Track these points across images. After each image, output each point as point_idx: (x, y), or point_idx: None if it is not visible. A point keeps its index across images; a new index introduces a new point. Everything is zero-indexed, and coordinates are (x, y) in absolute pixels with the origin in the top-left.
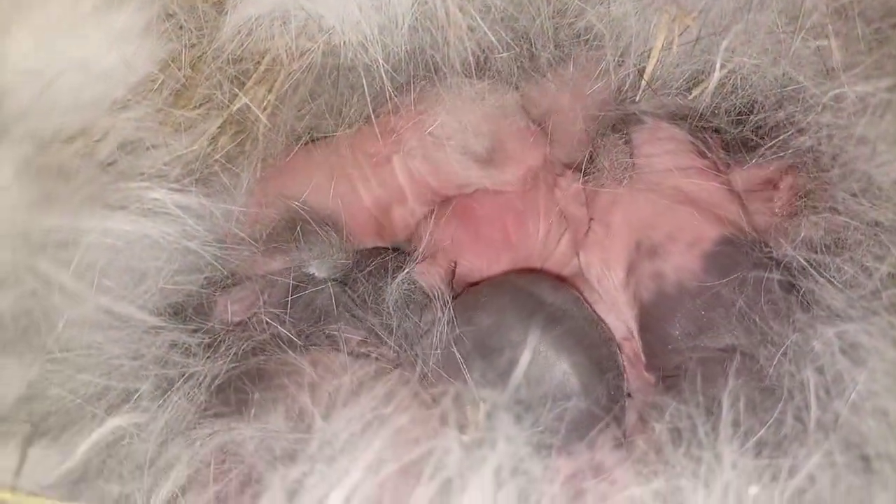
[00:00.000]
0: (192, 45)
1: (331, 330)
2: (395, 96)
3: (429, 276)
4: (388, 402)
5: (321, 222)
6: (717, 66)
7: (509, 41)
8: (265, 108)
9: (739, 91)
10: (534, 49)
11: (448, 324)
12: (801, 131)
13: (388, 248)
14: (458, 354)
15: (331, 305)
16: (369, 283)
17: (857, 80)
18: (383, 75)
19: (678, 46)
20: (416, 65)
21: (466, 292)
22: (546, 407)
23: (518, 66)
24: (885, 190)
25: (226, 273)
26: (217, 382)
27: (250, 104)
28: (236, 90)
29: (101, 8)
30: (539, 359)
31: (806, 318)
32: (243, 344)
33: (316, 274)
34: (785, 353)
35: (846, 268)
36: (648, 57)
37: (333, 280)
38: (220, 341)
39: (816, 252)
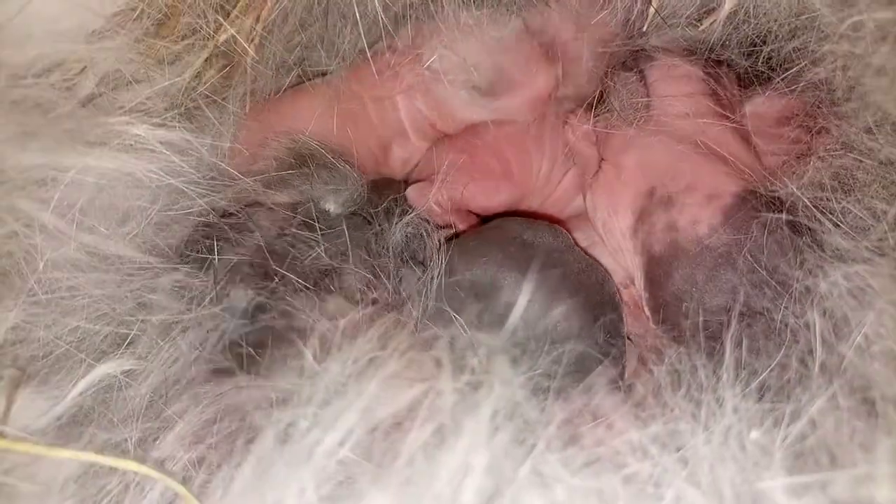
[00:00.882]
0: None
1: (330, 269)
2: (390, 29)
3: (423, 199)
4: (383, 346)
5: (334, 154)
6: None
7: None
8: (252, 39)
9: (752, 20)
10: None
11: (445, 268)
12: (815, 62)
13: (400, 184)
14: (449, 301)
15: (336, 245)
16: (377, 223)
17: (877, 6)
18: (376, 4)
19: None
20: None
21: (462, 237)
22: (543, 350)
23: None
24: None
25: (216, 211)
26: (222, 335)
27: (236, 35)
28: (221, 20)
29: None
30: (535, 302)
31: (813, 260)
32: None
33: (331, 209)
34: (791, 296)
35: (854, 209)
36: None
37: (346, 216)
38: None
39: (825, 192)
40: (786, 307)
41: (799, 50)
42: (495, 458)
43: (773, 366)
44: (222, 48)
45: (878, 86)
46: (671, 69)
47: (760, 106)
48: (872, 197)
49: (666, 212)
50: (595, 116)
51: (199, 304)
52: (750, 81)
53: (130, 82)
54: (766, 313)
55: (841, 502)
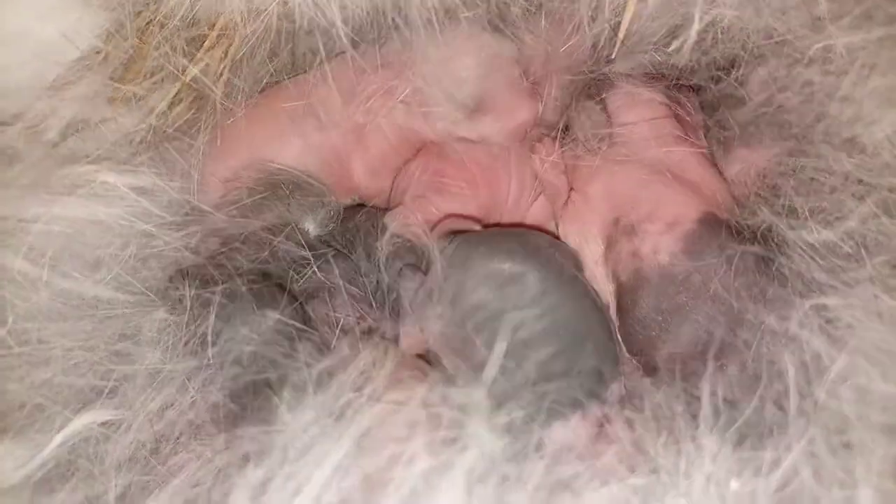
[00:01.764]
0: (139, 13)
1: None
2: (359, 59)
3: (400, 224)
4: (360, 392)
5: (304, 173)
6: (697, 17)
7: None
8: (220, 76)
9: (720, 45)
10: (500, 5)
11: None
12: (783, 88)
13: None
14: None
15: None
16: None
17: (846, 31)
18: (343, 37)
19: None
20: (379, 26)
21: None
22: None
23: (488, 22)
24: (871, 150)
25: (188, 253)
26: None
27: (201, 76)
28: (185, 62)
29: None
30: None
31: (783, 294)
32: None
33: (311, 229)
34: (761, 332)
35: (826, 235)
36: (623, 10)
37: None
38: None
39: (794, 219)
40: (756, 345)
41: (769, 75)
42: None
43: (748, 412)
44: (190, 85)
45: (846, 112)
46: (632, 96)
47: (732, 162)
48: (845, 221)
49: (629, 240)
50: (561, 146)
51: (179, 351)
52: (718, 106)
53: (97, 126)
54: (737, 351)
55: None
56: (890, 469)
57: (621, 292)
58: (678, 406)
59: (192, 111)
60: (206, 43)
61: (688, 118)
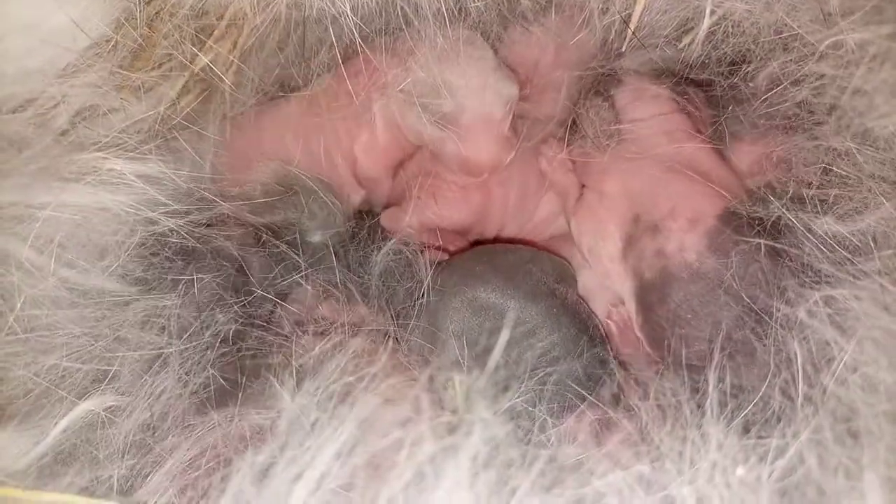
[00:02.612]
0: (148, 2)
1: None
2: (366, 50)
3: (396, 224)
4: (360, 376)
5: (322, 187)
6: (707, 11)
7: None
8: (230, 66)
9: (731, 39)
10: None
11: (439, 285)
12: (795, 83)
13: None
14: (441, 318)
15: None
16: (358, 251)
17: (856, 26)
18: (352, 27)
19: None
20: (388, 16)
21: (459, 258)
22: (526, 376)
23: (497, 14)
24: (883, 143)
25: (192, 240)
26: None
27: (211, 65)
28: (195, 50)
29: None
30: (527, 329)
31: (793, 285)
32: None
33: (315, 240)
34: (773, 324)
35: (836, 227)
36: (634, 2)
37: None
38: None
39: (805, 212)
40: (767, 335)
41: (779, 69)
42: (478, 502)
43: (756, 400)
44: (200, 74)
45: (857, 106)
46: (640, 92)
47: (741, 155)
48: (855, 214)
49: (653, 238)
50: (569, 145)
51: (179, 336)
52: (728, 102)
53: (106, 115)
54: (748, 342)
55: None
56: None
57: (645, 289)
58: (683, 394)
59: (201, 101)
60: (215, 33)
61: (696, 113)
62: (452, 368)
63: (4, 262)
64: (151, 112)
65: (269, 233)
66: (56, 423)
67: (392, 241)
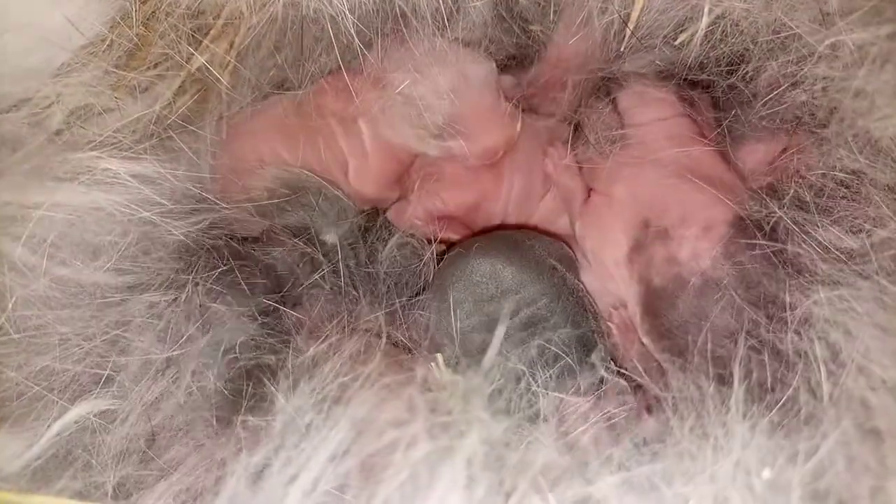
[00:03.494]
0: (144, 1)
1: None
2: (364, 51)
3: (402, 216)
4: (355, 376)
5: (333, 186)
6: (706, 10)
7: None
8: (226, 66)
9: (729, 39)
10: None
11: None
12: (794, 84)
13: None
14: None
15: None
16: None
17: (855, 26)
18: (350, 27)
19: None
20: (385, 16)
21: (464, 244)
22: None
23: (495, 16)
24: (884, 146)
25: (189, 242)
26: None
27: (207, 65)
28: (191, 50)
29: None
30: (529, 309)
31: (803, 286)
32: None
33: (329, 240)
34: (788, 325)
35: (835, 230)
36: (633, 2)
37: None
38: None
39: (808, 213)
40: (784, 337)
41: (778, 71)
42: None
43: (784, 399)
44: (197, 74)
45: (858, 108)
46: (644, 95)
47: (749, 154)
48: (856, 216)
49: (664, 245)
50: (573, 149)
51: (175, 338)
52: (730, 104)
53: (100, 114)
54: (766, 344)
55: None
56: None
57: (654, 296)
58: (708, 389)
59: (197, 101)
60: (211, 32)
61: (700, 116)
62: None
63: None
64: (147, 112)
65: (281, 234)
66: (49, 426)
67: (398, 234)
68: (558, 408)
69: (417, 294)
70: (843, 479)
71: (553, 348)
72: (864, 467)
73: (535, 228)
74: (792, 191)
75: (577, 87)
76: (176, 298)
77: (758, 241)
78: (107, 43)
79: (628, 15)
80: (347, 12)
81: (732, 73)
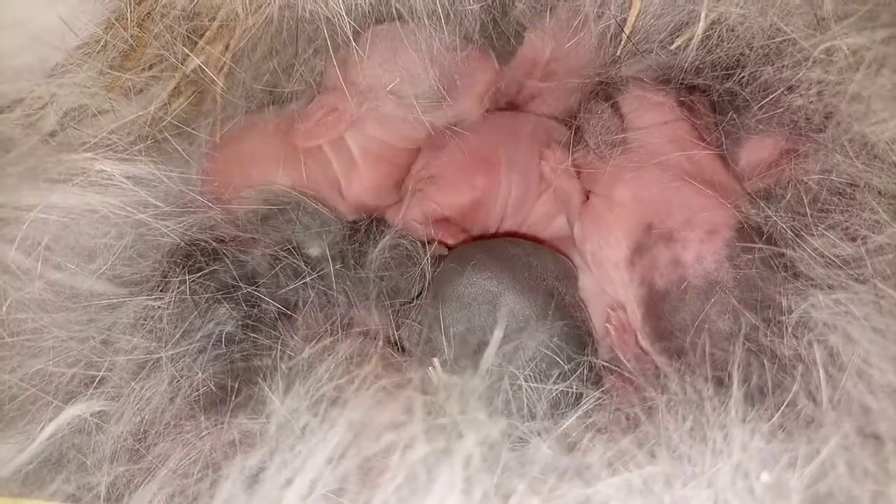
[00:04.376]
0: (139, 2)
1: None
2: (358, 49)
3: (398, 217)
4: (351, 378)
5: (315, 200)
6: (702, 15)
7: None
8: (221, 68)
9: (725, 43)
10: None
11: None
12: (790, 89)
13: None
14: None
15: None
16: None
17: (850, 31)
18: (346, 28)
19: None
20: (380, 16)
21: (461, 249)
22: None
23: (491, 18)
24: (880, 150)
25: (182, 243)
26: (196, 370)
27: (203, 67)
28: (186, 51)
29: None
30: (522, 322)
31: (804, 289)
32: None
33: (314, 253)
34: (787, 328)
35: (833, 234)
36: (629, 7)
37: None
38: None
39: (804, 217)
40: (782, 338)
41: (774, 75)
42: None
43: (786, 402)
44: (191, 77)
45: (854, 113)
46: (644, 99)
47: (747, 155)
48: (852, 221)
49: (668, 248)
50: (572, 153)
51: (169, 339)
52: (726, 108)
53: (95, 115)
54: (766, 346)
55: None
56: None
57: (656, 298)
58: (706, 391)
59: (193, 103)
60: (206, 34)
61: (699, 120)
62: (440, 358)
63: None
64: (142, 113)
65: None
66: (42, 429)
67: (389, 236)
68: (556, 410)
69: (416, 297)
70: (844, 484)
71: (548, 352)
72: (865, 472)
73: (530, 231)
74: (789, 195)
75: (574, 89)
76: (169, 300)
77: (758, 245)
78: (101, 44)
79: (625, 20)
80: (344, 14)
81: (728, 78)
